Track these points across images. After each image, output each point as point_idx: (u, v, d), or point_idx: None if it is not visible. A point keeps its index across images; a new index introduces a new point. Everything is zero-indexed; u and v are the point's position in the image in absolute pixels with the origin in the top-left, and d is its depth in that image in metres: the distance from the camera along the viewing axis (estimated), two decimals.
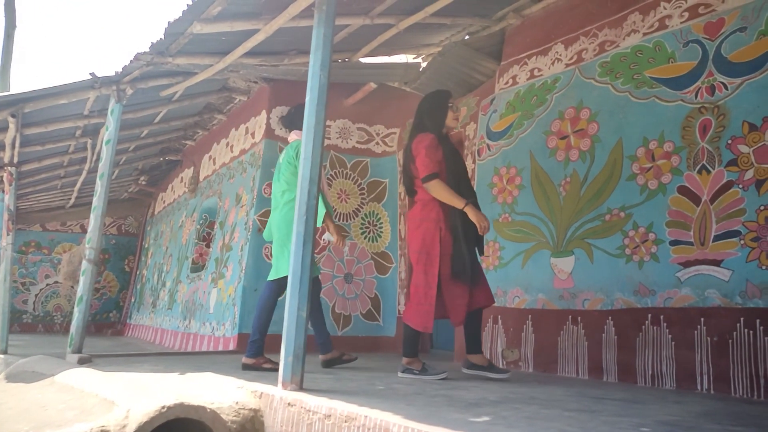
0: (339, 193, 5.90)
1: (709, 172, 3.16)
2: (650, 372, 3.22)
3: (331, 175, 5.88)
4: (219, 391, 2.44)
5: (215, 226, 6.76)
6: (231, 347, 5.20)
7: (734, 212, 3.02)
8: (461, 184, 3.21)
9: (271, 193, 5.59)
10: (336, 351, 3.72)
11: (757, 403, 2.62)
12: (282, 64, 4.60)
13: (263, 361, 3.48)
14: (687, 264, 3.17)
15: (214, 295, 6.08)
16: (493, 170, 4.49)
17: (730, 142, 3.10)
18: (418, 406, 2.08)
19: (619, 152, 3.63)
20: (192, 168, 8.11)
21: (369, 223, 5.97)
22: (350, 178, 5.99)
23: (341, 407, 1.94)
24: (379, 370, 3.61)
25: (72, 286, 10.20)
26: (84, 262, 4.15)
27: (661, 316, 3.23)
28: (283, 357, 2.42)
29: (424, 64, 5.10)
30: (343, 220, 5.83)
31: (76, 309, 4.09)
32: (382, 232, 5.97)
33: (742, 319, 2.89)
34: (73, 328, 4.04)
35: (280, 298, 3.55)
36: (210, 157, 7.52)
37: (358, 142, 6.11)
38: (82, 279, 4.12)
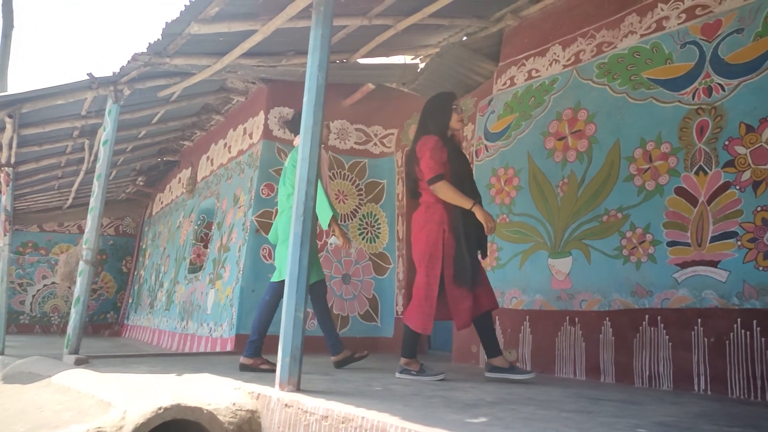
0: (337, 194, 5.89)
1: (706, 173, 3.17)
2: (647, 373, 3.23)
3: (329, 176, 5.87)
4: (216, 392, 2.44)
5: (213, 227, 6.75)
6: (228, 348, 5.20)
7: (731, 213, 3.03)
8: (465, 185, 3.18)
9: (269, 194, 5.61)
10: (347, 350, 3.74)
11: (754, 404, 2.62)
12: (280, 65, 4.60)
13: (261, 362, 3.49)
14: (684, 265, 3.18)
15: (212, 296, 6.07)
16: (490, 171, 4.49)
17: (727, 143, 3.10)
18: (415, 407, 2.08)
19: (617, 153, 3.64)
20: (190, 169, 8.11)
21: (367, 224, 5.97)
22: (348, 179, 5.99)
23: (338, 408, 1.94)
24: (377, 370, 3.61)
25: (69, 287, 10.18)
26: (81, 263, 4.15)
27: (659, 317, 3.23)
28: (281, 358, 2.41)
29: (422, 65, 5.10)
30: (341, 221, 5.83)
31: (73, 310, 4.08)
32: (380, 233, 5.96)
33: (739, 320, 2.90)
34: (70, 329, 4.03)
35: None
36: (208, 158, 7.51)
37: (356, 142, 6.11)
38: (79, 280, 4.11)
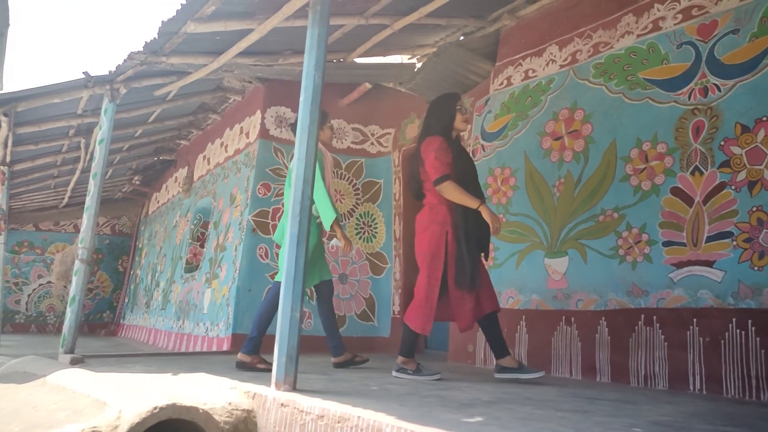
0: (334, 194, 5.89)
1: (702, 173, 3.18)
2: (643, 372, 3.23)
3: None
4: (212, 392, 2.44)
5: (209, 226, 6.74)
6: (225, 348, 5.19)
7: (727, 213, 3.03)
8: (469, 186, 3.16)
9: (265, 193, 5.61)
10: (348, 353, 3.74)
11: (749, 404, 2.63)
12: (276, 64, 4.59)
13: (258, 360, 3.48)
14: (680, 265, 3.19)
15: (208, 296, 6.06)
16: (487, 171, 4.49)
17: (722, 143, 3.11)
18: (411, 407, 2.08)
19: (613, 153, 3.64)
20: (186, 168, 8.09)
21: (364, 223, 5.96)
22: (345, 179, 5.99)
23: (334, 408, 1.93)
24: (374, 370, 3.61)
25: (65, 286, 10.15)
26: (77, 262, 4.13)
27: (654, 317, 3.24)
28: (277, 357, 2.41)
29: (419, 65, 5.10)
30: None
31: (68, 309, 4.06)
32: (376, 232, 5.96)
33: (734, 319, 2.90)
34: (65, 329, 4.02)
35: None
36: (204, 157, 7.50)
37: (353, 142, 6.10)
38: (74, 279, 4.10)
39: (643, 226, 3.40)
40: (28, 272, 10.75)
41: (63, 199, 9.70)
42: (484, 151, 4.58)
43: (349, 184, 6.00)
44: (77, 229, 10.69)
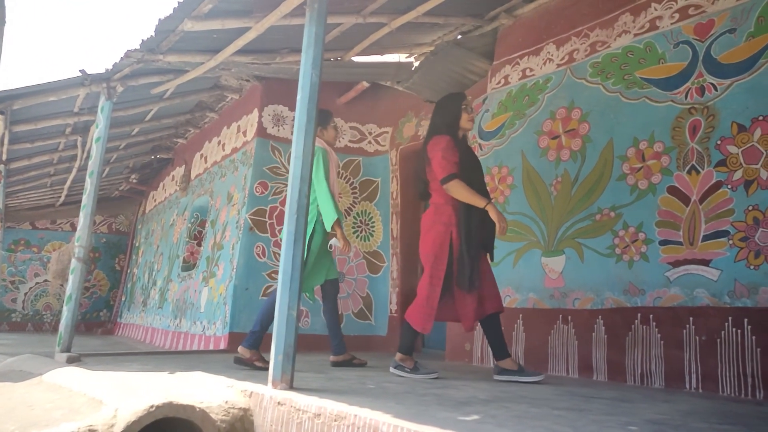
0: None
1: (698, 172, 3.19)
2: (639, 371, 3.24)
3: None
4: (208, 390, 2.43)
5: (206, 225, 6.73)
6: (222, 346, 5.18)
7: (723, 212, 3.04)
8: (475, 185, 3.14)
9: (262, 192, 5.60)
10: (348, 354, 3.75)
11: (744, 402, 2.64)
12: (274, 63, 4.59)
13: (256, 357, 3.47)
14: (676, 263, 3.20)
15: (205, 294, 6.06)
16: (485, 170, 4.47)
17: (719, 142, 3.12)
18: (407, 405, 2.08)
19: (610, 152, 3.65)
20: (183, 166, 8.08)
21: (361, 222, 5.96)
22: (342, 177, 5.99)
23: (331, 406, 1.93)
24: (371, 369, 3.61)
25: (61, 285, 10.12)
26: (73, 261, 4.13)
27: (651, 316, 3.25)
28: (273, 355, 2.41)
29: (416, 64, 5.09)
30: None
31: (65, 308, 4.06)
32: (374, 231, 5.96)
33: (730, 318, 2.91)
34: (62, 327, 4.01)
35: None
36: (202, 156, 7.49)
37: (350, 141, 6.10)
38: (71, 278, 4.09)
39: (640, 225, 3.40)
40: (24, 271, 10.73)
41: (60, 197, 9.68)
42: (481, 150, 4.58)
43: (347, 182, 6.00)
44: (74, 228, 10.67)
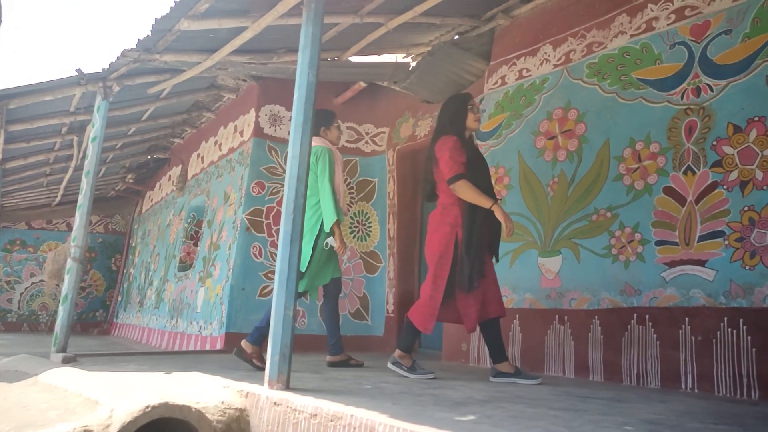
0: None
1: (694, 173, 3.19)
2: (635, 371, 3.25)
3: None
4: (205, 391, 2.43)
5: (203, 225, 6.72)
6: (218, 346, 5.17)
7: (719, 213, 3.05)
8: (482, 185, 3.13)
9: (259, 192, 5.59)
10: (344, 354, 3.74)
11: (740, 402, 2.65)
12: (271, 63, 4.58)
13: (256, 355, 3.45)
14: (672, 264, 3.20)
15: (202, 294, 6.05)
16: None
17: (715, 143, 3.13)
18: (404, 405, 2.08)
19: (606, 153, 3.66)
20: (180, 166, 8.06)
21: (358, 222, 5.96)
22: None
23: (327, 406, 1.93)
24: (367, 369, 3.61)
25: (57, 285, 10.08)
26: (69, 261, 4.11)
27: (647, 316, 3.26)
28: (270, 356, 2.40)
29: (413, 64, 5.10)
30: None
31: (60, 308, 4.05)
32: (371, 231, 5.96)
33: (725, 318, 2.92)
34: (57, 327, 4.00)
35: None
36: (198, 155, 7.47)
37: (347, 141, 6.09)
38: (67, 277, 4.08)
39: (636, 226, 3.41)
40: (20, 271, 10.69)
41: (56, 197, 9.66)
42: None
43: (344, 182, 5.99)
44: (70, 228, 10.64)
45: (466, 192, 3.07)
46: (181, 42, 3.95)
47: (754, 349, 2.79)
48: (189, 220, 7.39)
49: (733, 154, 3.04)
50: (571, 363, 3.59)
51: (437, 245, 3.13)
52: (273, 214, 5.57)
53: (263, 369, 3.16)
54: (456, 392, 2.54)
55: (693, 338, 3.03)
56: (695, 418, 2.09)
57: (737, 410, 2.37)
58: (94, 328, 10.66)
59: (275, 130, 5.79)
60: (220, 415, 2.24)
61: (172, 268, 7.45)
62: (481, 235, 3.07)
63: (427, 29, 4.70)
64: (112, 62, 4.16)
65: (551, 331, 3.74)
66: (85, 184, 4.24)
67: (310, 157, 3.74)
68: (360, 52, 4.81)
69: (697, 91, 3.25)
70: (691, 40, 3.34)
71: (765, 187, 2.90)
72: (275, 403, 2.16)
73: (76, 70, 4.31)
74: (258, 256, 5.44)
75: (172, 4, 3.37)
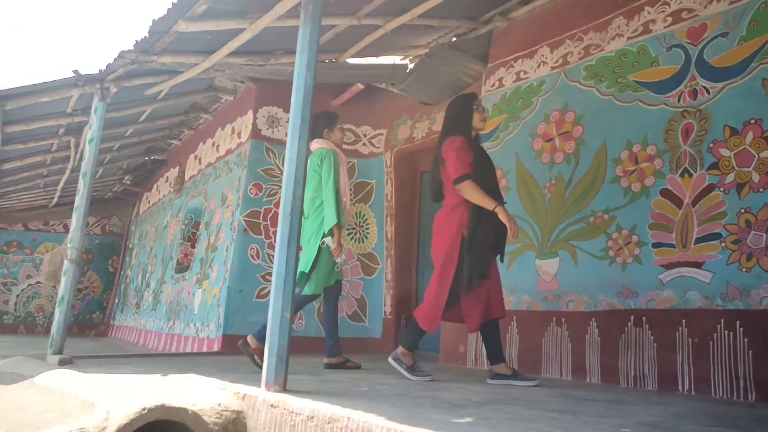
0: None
1: (691, 175, 3.20)
2: (633, 373, 3.25)
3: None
4: (201, 393, 2.42)
5: (200, 227, 6.71)
6: (215, 348, 5.16)
7: (715, 215, 3.06)
8: (488, 186, 3.13)
9: (257, 193, 5.59)
10: (342, 357, 3.74)
11: (737, 404, 2.65)
12: (268, 64, 4.58)
13: (259, 353, 3.42)
14: (669, 266, 3.21)
15: (199, 296, 6.04)
16: None
17: (711, 145, 3.14)
18: (401, 407, 2.07)
19: (603, 155, 3.66)
20: (177, 168, 8.05)
21: (356, 224, 5.96)
22: None
23: (324, 408, 1.93)
24: (364, 371, 3.60)
25: (54, 287, 10.07)
26: (66, 262, 4.10)
27: (644, 318, 3.26)
28: (267, 358, 2.40)
29: (411, 66, 5.10)
30: None
31: (57, 309, 4.03)
32: (368, 233, 5.96)
33: (722, 320, 2.93)
34: (54, 329, 3.99)
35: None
36: (196, 157, 7.47)
37: (345, 143, 6.08)
38: (63, 279, 4.06)
39: (633, 228, 3.41)
40: (16, 272, 10.65)
41: (52, 198, 9.63)
42: None
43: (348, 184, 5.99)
44: (67, 229, 10.59)
45: (471, 193, 3.07)
46: (179, 43, 3.95)
47: (750, 351, 2.80)
48: (186, 222, 7.38)
49: (730, 157, 3.05)
50: (569, 365, 3.59)
51: (443, 246, 3.13)
52: (270, 215, 5.56)
53: (262, 368, 3.16)
54: (453, 394, 2.54)
55: (690, 340, 3.03)
56: (692, 421, 2.09)
57: (734, 412, 2.38)
58: (91, 330, 10.63)
59: (273, 132, 5.79)
60: (217, 417, 2.23)
61: (169, 269, 7.44)
62: (485, 235, 3.07)
63: (424, 31, 4.70)
64: (109, 63, 4.15)
65: (548, 333, 3.75)
66: (82, 186, 4.23)
67: (315, 159, 3.76)
68: (358, 54, 4.81)
69: (694, 94, 3.26)
70: (688, 43, 3.35)
71: (761, 190, 2.91)
72: (272, 405, 2.16)
73: (73, 71, 4.30)
74: (255, 258, 5.43)
75: (170, 6, 3.36)
